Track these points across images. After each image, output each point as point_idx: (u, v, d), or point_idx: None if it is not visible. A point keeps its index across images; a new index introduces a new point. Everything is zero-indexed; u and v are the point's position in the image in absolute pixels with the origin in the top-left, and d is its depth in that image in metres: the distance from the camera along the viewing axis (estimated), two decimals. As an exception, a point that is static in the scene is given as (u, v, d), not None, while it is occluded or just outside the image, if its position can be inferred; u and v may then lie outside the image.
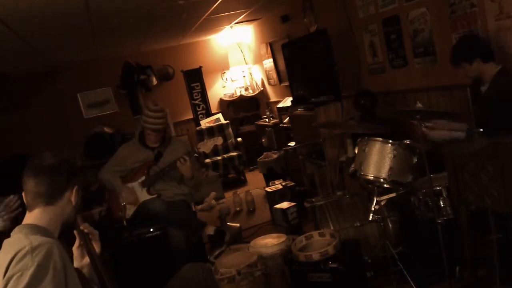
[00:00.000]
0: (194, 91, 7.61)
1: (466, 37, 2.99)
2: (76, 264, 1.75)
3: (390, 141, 2.83)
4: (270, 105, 7.37)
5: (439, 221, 2.50)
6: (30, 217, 1.63)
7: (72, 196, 1.69)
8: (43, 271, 1.43)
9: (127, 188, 3.52)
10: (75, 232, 1.78)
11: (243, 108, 7.84)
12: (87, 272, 1.77)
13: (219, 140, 3.64)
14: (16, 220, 2.44)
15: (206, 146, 3.59)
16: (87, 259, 1.78)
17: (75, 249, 1.80)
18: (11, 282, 1.41)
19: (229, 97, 7.90)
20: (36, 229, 1.58)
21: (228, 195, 5.98)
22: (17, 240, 1.52)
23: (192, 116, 7.67)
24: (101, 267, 1.75)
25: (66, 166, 1.68)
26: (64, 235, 1.72)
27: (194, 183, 3.59)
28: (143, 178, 3.54)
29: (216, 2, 4.71)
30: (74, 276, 1.58)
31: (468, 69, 2.72)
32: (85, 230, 1.79)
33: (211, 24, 6.19)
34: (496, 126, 2.53)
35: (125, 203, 3.53)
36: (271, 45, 6.70)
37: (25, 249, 1.45)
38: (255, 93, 7.69)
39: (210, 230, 3.59)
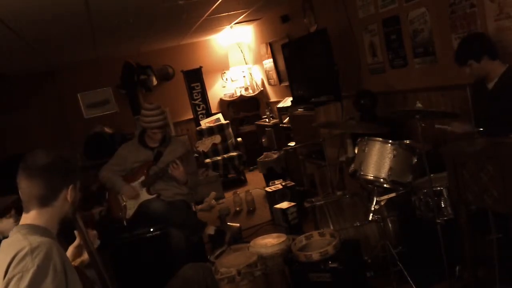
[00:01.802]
0: (194, 91, 7.61)
1: (472, 35, 2.95)
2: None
3: (390, 141, 2.83)
4: (270, 105, 7.37)
5: (439, 221, 2.50)
6: (28, 218, 1.61)
7: (68, 195, 1.65)
8: (43, 272, 1.43)
9: (127, 184, 3.52)
10: (76, 232, 1.77)
11: (243, 108, 7.84)
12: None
13: (217, 138, 3.64)
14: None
15: (205, 144, 3.59)
16: (82, 258, 1.78)
17: (72, 247, 1.80)
18: (11, 284, 1.41)
19: (229, 97, 7.90)
20: (34, 229, 1.57)
21: (228, 195, 5.98)
22: (16, 241, 1.51)
23: (192, 116, 7.67)
24: (101, 267, 1.75)
25: (59, 166, 1.63)
26: (63, 233, 1.72)
27: (189, 187, 3.59)
28: (143, 178, 3.54)
29: (216, 2, 4.71)
30: (75, 275, 1.57)
31: (475, 67, 2.69)
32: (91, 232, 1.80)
33: (211, 24, 6.19)
34: (500, 123, 2.54)
35: (125, 203, 3.53)
36: (271, 45, 6.70)
37: (25, 250, 1.45)
38: (255, 93, 7.69)
39: (211, 230, 3.59)
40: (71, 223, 1.74)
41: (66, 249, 1.74)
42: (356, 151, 3.03)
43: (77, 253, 1.80)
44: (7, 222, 2.37)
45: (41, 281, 1.42)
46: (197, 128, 7.27)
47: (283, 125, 6.13)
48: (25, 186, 1.59)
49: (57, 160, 1.63)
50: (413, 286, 2.68)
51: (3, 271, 1.45)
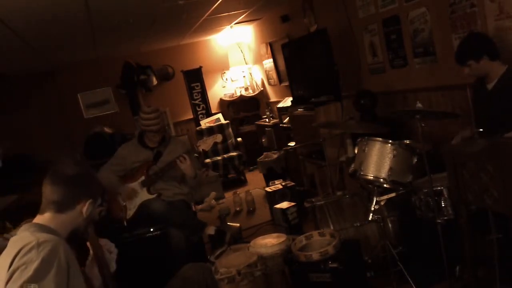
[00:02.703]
0: (194, 91, 7.61)
1: (473, 34, 2.92)
2: None
3: (390, 141, 2.83)
4: (270, 105, 7.37)
5: (439, 221, 2.50)
6: (40, 219, 1.66)
7: (84, 208, 1.70)
8: (47, 266, 1.44)
9: (123, 185, 3.52)
10: (88, 243, 1.78)
11: (243, 108, 7.84)
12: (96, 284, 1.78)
13: (218, 138, 3.63)
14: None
15: (206, 143, 3.59)
16: (94, 273, 1.78)
17: (89, 260, 1.81)
18: (15, 274, 1.43)
19: (229, 97, 7.90)
20: (42, 228, 1.60)
21: (228, 195, 5.98)
22: (23, 237, 1.54)
23: (192, 116, 7.68)
24: (111, 283, 1.75)
25: (83, 179, 1.72)
26: (74, 242, 1.73)
27: (197, 182, 3.58)
28: (143, 178, 3.54)
29: (216, 2, 4.71)
30: (79, 277, 1.58)
31: (474, 67, 2.67)
32: (103, 245, 1.80)
33: (211, 24, 6.19)
34: (500, 123, 2.54)
35: (125, 204, 3.53)
36: (271, 45, 6.70)
37: (31, 244, 1.47)
38: (255, 93, 7.69)
39: (211, 230, 3.58)
40: (82, 235, 1.76)
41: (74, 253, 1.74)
42: (356, 151, 3.03)
43: (91, 265, 1.81)
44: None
45: (45, 274, 1.43)
46: (197, 128, 7.27)
47: (283, 125, 6.13)
48: (48, 191, 1.67)
49: (83, 173, 1.73)
50: (413, 286, 2.68)
51: (8, 263, 1.47)
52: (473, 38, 2.79)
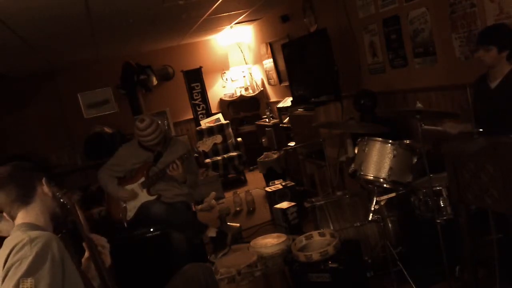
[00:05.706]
0: (194, 91, 7.61)
1: (507, 25, 2.76)
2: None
3: (390, 141, 2.83)
4: (270, 105, 7.37)
5: (439, 221, 2.50)
6: (19, 220, 1.66)
7: (44, 188, 1.72)
8: (41, 260, 1.45)
9: (122, 188, 3.52)
10: (84, 244, 1.79)
11: (243, 108, 7.84)
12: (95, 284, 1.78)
13: (218, 138, 3.63)
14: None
15: (206, 144, 3.59)
16: (91, 273, 1.78)
17: (84, 260, 1.81)
18: (11, 271, 1.44)
19: (229, 97, 7.90)
20: (33, 226, 1.62)
21: (228, 195, 5.98)
22: (16, 236, 1.55)
23: (192, 116, 7.68)
24: (109, 280, 1.74)
25: (22, 167, 1.72)
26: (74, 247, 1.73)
27: (189, 184, 3.58)
28: (143, 179, 3.53)
29: (216, 2, 4.71)
30: (73, 271, 1.59)
31: (491, 55, 2.60)
32: (95, 241, 1.80)
33: (211, 24, 6.19)
34: (501, 123, 2.53)
35: (125, 205, 3.52)
36: (271, 45, 6.70)
37: (24, 240, 1.48)
38: (255, 93, 7.69)
39: (212, 232, 3.57)
40: (63, 222, 1.77)
41: (69, 251, 1.74)
42: (356, 151, 3.03)
43: (89, 266, 1.81)
44: (7, 224, 2.38)
45: (39, 268, 1.44)
46: (197, 128, 7.27)
47: (283, 125, 6.13)
48: (3, 198, 1.66)
49: (17, 165, 1.73)
50: (413, 286, 2.68)
51: (2, 261, 1.48)
52: (509, 29, 2.67)
